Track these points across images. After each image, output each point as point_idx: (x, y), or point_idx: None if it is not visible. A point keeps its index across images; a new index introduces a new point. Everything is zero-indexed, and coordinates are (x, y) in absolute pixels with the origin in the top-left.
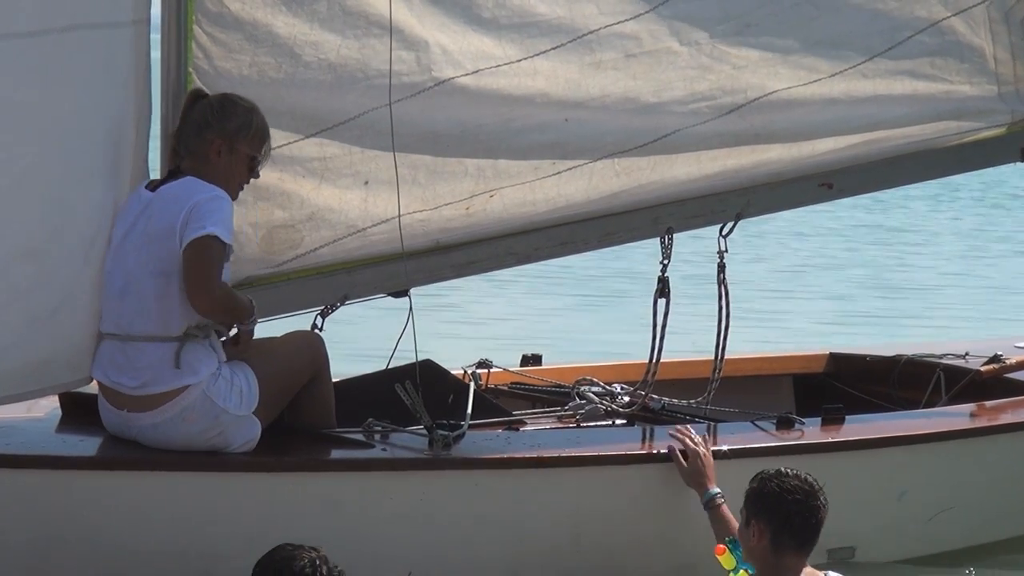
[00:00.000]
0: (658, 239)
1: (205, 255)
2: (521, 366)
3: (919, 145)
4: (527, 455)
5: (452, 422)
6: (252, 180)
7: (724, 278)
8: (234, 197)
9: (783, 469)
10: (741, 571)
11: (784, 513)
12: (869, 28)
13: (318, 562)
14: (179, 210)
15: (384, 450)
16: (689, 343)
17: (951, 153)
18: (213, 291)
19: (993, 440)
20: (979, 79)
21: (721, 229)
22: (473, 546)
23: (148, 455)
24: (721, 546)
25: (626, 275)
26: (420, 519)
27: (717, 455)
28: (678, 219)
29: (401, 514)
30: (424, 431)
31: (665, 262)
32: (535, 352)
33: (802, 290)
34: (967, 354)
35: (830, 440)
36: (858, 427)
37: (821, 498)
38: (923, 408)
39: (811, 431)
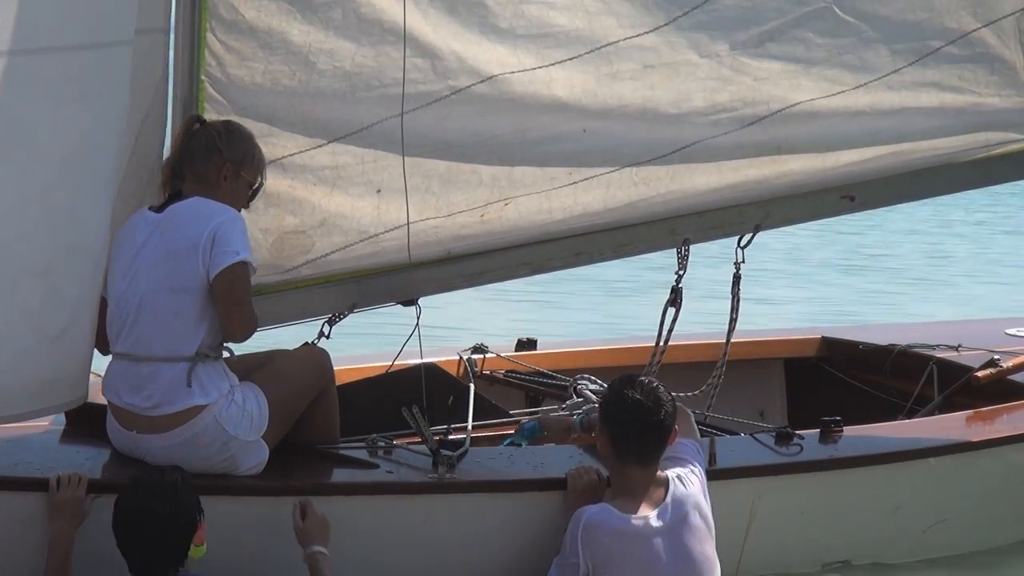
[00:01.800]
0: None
1: (241, 283)
2: (516, 351)
3: (945, 158)
4: (531, 477)
5: (454, 436)
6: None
7: (738, 290)
8: None
9: (638, 379)
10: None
11: (622, 424)
12: (897, 39)
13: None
14: (201, 229)
15: (389, 472)
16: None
17: (977, 166)
18: (252, 319)
19: (988, 453)
20: (1008, 91)
21: (739, 240)
22: (477, 568)
23: None
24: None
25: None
26: (424, 541)
27: None
28: (695, 230)
29: (405, 536)
30: (427, 446)
31: (680, 272)
32: (530, 336)
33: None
34: (960, 346)
35: (828, 458)
36: (856, 441)
37: (663, 414)
38: (915, 400)
39: (810, 445)
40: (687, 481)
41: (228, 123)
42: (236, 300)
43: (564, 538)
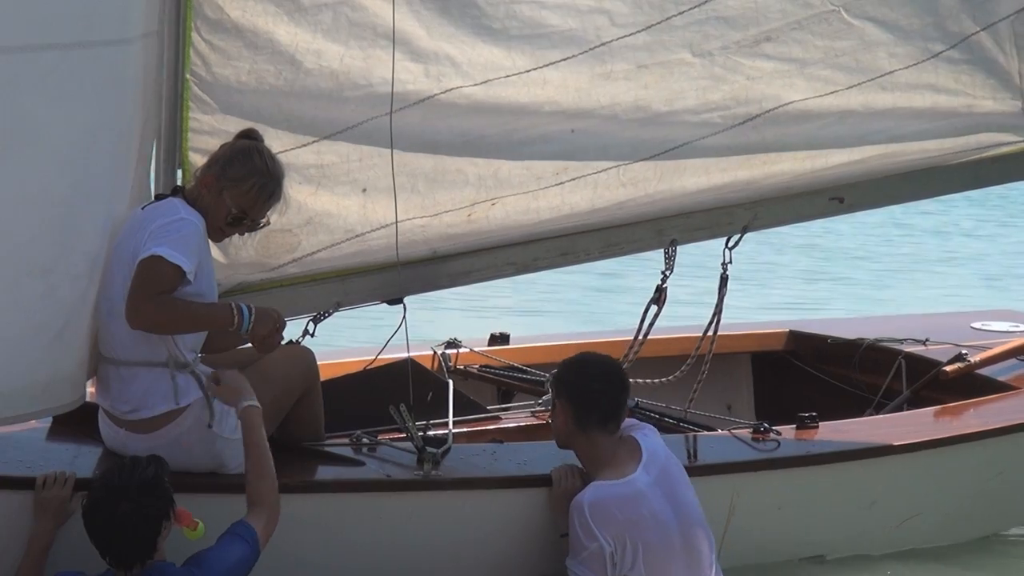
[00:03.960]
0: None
1: (143, 275)
2: (489, 345)
3: (935, 160)
4: (516, 474)
5: (434, 433)
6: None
7: (725, 292)
8: (215, 238)
9: (587, 352)
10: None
11: (584, 390)
12: (899, 43)
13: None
14: (144, 234)
15: (375, 470)
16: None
17: (967, 169)
18: (142, 306)
19: (961, 448)
20: (1003, 95)
21: (727, 241)
22: (462, 564)
23: None
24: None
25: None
26: (409, 537)
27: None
28: (683, 231)
29: (390, 533)
30: (410, 441)
31: (667, 273)
32: (503, 331)
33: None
34: (928, 340)
35: (805, 454)
36: (831, 437)
37: (622, 379)
38: (883, 394)
39: (787, 441)
40: (651, 435)
41: (251, 147)
42: (136, 286)
43: (572, 534)
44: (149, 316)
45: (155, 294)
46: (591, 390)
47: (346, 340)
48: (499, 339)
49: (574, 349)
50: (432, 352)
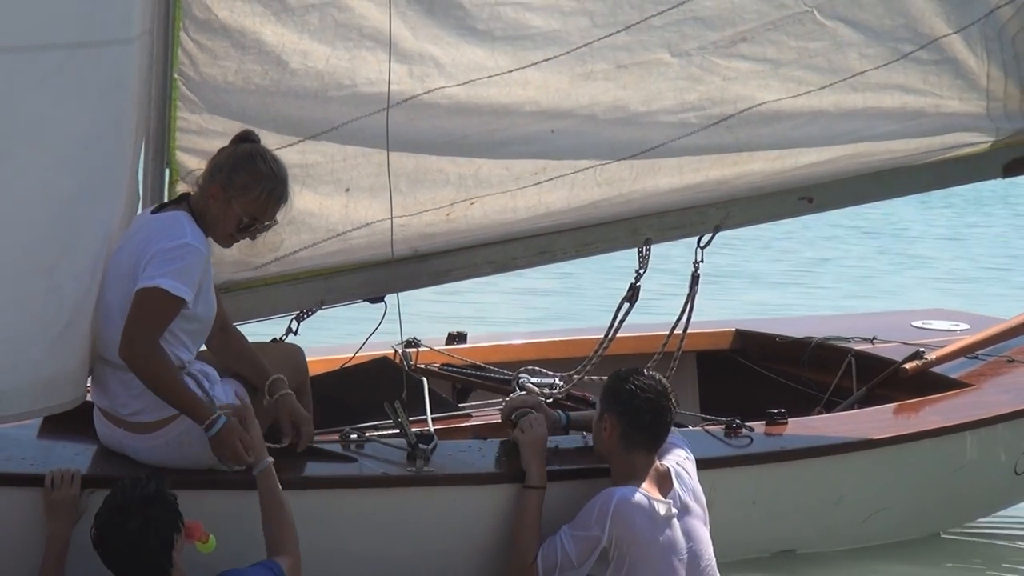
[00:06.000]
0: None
1: (145, 307)
2: (447, 344)
3: (902, 161)
4: (506, 470)
5: (425, 431)
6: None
7: (696, 290)
8: (224, 244)
9: (640, 369)
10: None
11: (635, 410)
12: (870, 43)
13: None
14: (145, 251)
15: (365, 466)
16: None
17: (933, 169)
18: (138, 344)
19: (924, 444)
20: (969, 95)
21: (699, 240)
22: (453, 558)
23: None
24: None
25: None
26: (401, 532)
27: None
28: (656, 230)
29: (382, 528)
30: (394, 435)
31: (641, 272)
32: (460, 330)
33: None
34: (874, 338)
35: (779, 450)
36: (801, 433)
37: (672, 400)
38: (832, 392)
39: (759, 438)
40: (686, 470)
41: (253, 151)
42: (133, 318)
43: (586, 510)
44: (138, 360)
45: (152, 330)
46: (641, 410)
47: (329, 338)
48: (457, 338)
49: (532, 349)
50: (392, 351)
